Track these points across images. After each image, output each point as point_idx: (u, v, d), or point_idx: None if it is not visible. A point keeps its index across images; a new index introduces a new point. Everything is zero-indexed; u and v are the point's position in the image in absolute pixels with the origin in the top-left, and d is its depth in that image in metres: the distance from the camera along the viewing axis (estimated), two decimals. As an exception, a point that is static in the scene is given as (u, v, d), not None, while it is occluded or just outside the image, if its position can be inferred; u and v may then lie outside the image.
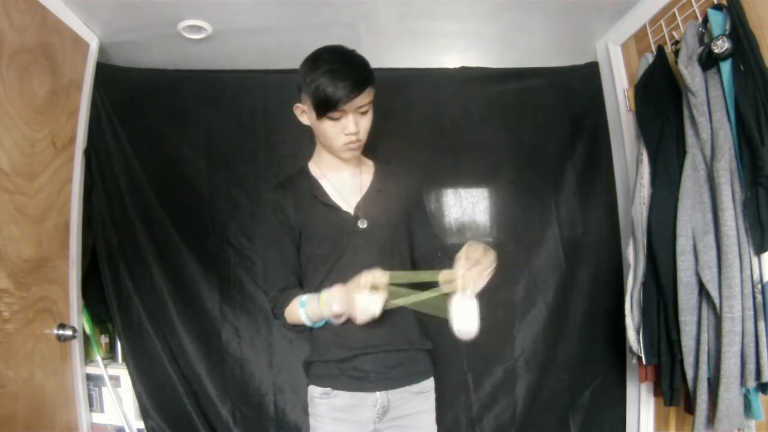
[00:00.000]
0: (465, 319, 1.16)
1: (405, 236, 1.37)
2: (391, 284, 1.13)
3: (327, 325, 1.28)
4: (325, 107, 1.18)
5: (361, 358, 1.27)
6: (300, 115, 1.30)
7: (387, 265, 1.25)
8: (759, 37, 1.24)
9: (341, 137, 1.23)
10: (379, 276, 1.11)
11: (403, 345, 1.30)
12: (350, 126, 1.20)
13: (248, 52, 2.01)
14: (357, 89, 1.17)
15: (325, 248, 1.29)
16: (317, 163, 1.37)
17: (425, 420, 1.33)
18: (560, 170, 2.07)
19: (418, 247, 1.40)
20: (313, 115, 1.22)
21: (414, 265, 1.39)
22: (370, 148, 1.37)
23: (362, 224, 1.28)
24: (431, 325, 1.40)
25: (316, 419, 1.31)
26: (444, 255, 1.36)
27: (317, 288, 1.27)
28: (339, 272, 1.25)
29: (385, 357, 1.27)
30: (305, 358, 1.37)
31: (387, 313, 1.24)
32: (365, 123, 1.25)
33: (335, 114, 1.19)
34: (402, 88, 2.00)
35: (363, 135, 1.25)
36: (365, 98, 1.20)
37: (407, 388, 1.30)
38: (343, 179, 1.34)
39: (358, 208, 1.30)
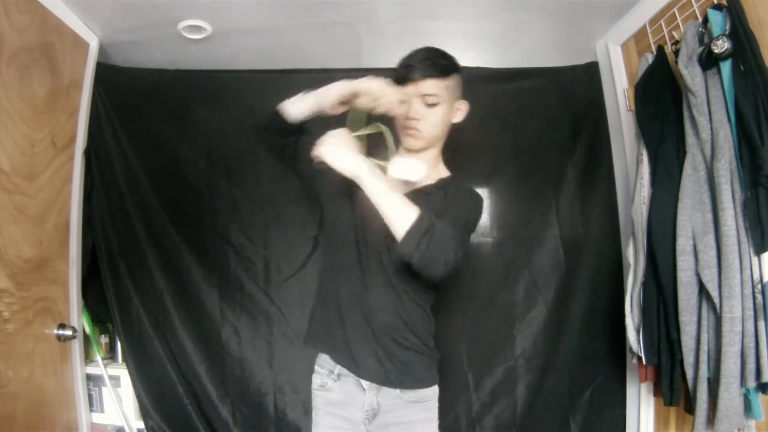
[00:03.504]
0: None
1: None
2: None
3: (332, 300, 1.31)
4: (396, 79, 1.24)
5: (357, 341, 1.27)
6: None
7: (403, 262, 1.27)
8: (759, 37, 1.24)
9: (402, 120, 1.27)
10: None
11: (400, 340, 1.28)
12: (411, 110, 1.25)
13: (248, 52, 2.01)
14: (421, 74, 1.23)
15: (350, 228, 1.31)
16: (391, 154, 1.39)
17: (422, 430, 1.31)
18: (560, 170, 2.07)
19: None
20: None
21: None
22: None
23: None
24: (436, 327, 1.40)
25: (315, 412, 1.34)
26: None
27: (340, 269, 1.31)
28: (363, 256, 1.28)
29: (380, 349, 1.25)
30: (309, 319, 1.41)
31: (386, 307, 1.26)
32: (431, 117, 1.27)
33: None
34: (402, 88, 2.00)
35: (425, 127, 1.28)
36: (432, 88, 1.24)
37: (400, 394, 1.28)
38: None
39: None
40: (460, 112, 1.35)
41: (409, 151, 1.34)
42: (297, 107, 1.24)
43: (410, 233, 1.10)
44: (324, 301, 1.35)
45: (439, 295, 1.39)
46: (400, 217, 1.12)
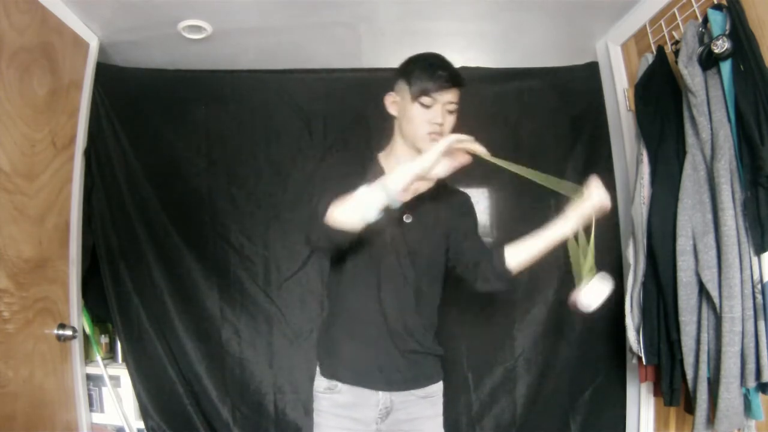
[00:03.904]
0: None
1: (444, 245, 1.37)
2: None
3: (343, 317, 1.30)
4: (425, 86, 1.26)
5: (371, 355, 1.27)
6: (390, 105, 1.35)
7: (423, 263, 1.31)
8: (759, 37, 1.24)
9: (426, 126, 1.28)
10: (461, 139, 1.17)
11: (415, 347, 1.30)
12: (438, 116, 1.27)
13: (248, 52, 2.01)
14: (451, 82, 1.26)
15: (368, 233, 1.28)
16: (387, 155, 1.40)
17: (431, 425, 1.33)
18: (560, 170, 2.06)
19: (459, 256, 1.38)
20: (407, 99, 1.28)
21: (449, 275, 1.40)
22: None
23: (407, 219, 1.31)
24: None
25: (319, 414, 1.32)
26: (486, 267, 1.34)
27: (354, 275, 1.30)
28: (377, 260, 1.28)
29: (395, 357, 1.27)
30: (317, 347, 1.40)
31: (402, 313, 1.27)
32: (450, 121, 1.30)
33: (427, 100, 1.26)
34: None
35: (447, 131, 1.30)
36: (454, 96, 1.29)
37: (413, 391, 1.30)
38: None
39: (407, 204, 1.30)
40: None
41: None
42: (366, 210, 1.11)
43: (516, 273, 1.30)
44: (338, 323, 1.33)
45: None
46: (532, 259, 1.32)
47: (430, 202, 1.35)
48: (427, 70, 1.27)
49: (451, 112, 1.29)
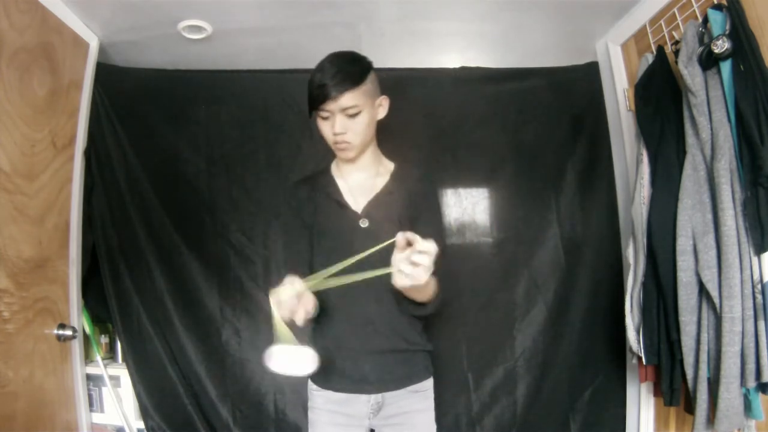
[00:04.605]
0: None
1: None
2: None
3: (327, 327, 1.30)
4: (311, 104, 1.24)
5: (360, 360, 1.28)
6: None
7: (387, 265, 1.27)
8: (759, 37, 1.24)
9: (331, 137, 1.26)
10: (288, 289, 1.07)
11: (403, 345, 1.31)
12: (336, 126, 1.23)
13: (248, 52, 2.01)
14: (337, 90, 1.19)
15: (331, 245, 1.30)
16: (337, 163, 1.40)
17: (422, 419, 1.33)
18: (560, 170, 2.07)
19: None
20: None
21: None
22: (392, 150, 1.41)
23: (363, 223, 1.29)
24: (432, 326, 1.40)
25: (313, 411, 1.34)
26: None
27: (341, 298, 1.28)
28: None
29: (384, 358, 1.28)
30: None
31: (386, 314, 1.26)
32: (355, 126, 1.24)
33: (324, 113, 1.23)
34: (402, 88, 1.99)
35: (353, 137, 1.25)
36: (351, 100, 1.21)
37: (404, 388, 1.31)
38: (358, 180, 1.36)
39: (364, 208, 1.31)
40: (383, 108, 1.33)
41: (347, 162, 1.34)
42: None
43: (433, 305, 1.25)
44: (323, 334, 1.33)
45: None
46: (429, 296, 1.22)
47: (386, 198, 1.33)
48: (310, 85, 1.23)
49: (352, 116, 1.23)
